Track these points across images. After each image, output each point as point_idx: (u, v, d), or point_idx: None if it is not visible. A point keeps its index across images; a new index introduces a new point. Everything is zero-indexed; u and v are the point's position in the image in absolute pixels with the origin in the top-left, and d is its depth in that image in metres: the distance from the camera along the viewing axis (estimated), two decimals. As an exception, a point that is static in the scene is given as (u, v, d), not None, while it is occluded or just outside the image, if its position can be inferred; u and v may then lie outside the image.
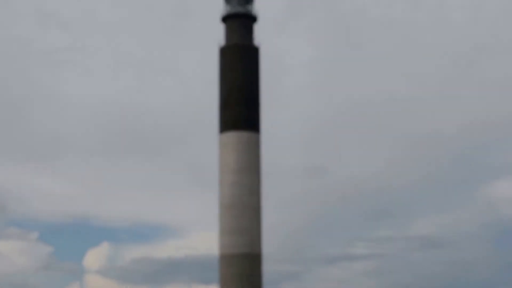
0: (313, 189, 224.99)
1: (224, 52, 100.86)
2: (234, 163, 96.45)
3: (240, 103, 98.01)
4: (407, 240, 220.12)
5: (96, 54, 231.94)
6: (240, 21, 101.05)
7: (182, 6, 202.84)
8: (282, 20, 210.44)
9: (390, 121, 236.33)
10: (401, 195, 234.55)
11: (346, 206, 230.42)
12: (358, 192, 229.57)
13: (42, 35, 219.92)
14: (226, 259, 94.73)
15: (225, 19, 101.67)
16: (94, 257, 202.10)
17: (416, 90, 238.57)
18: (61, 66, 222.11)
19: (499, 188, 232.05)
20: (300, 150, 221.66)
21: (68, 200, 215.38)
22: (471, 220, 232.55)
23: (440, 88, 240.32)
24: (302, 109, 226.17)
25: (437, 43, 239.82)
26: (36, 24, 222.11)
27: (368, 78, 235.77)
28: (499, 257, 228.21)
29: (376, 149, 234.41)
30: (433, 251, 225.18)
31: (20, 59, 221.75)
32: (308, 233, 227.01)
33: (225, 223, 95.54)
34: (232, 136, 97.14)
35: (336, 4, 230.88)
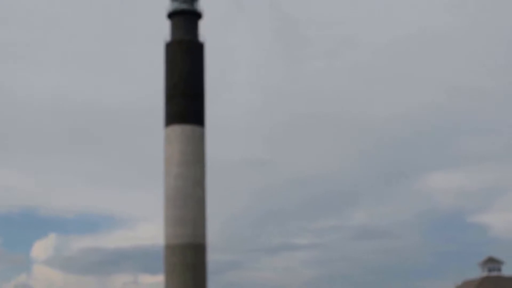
0: (256, 181, 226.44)
1: (170, 48, 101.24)
2: (178, 156, 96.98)
3: (184, 98, 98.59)
4: (347, 230, 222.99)
5: (44, 50, 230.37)
6: (185, 18, 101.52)
7: (129, 2, 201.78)
8: (227, 17, 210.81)
9: (332, 116, 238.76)
10: (341, 187, 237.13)
11: (288, 198, 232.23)
12: (300, 184, 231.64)
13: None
14: (170, 249, 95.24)
15: (171, 15, 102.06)
16: (42, 248, 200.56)
17: (357, 86, 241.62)
18: (10, 61, 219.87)
19: (433, 180, 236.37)
20: (244, 143, 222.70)
21: (15, 192, 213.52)
22: (407, 211, 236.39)
23: (378, 83, 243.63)
24: (245, 104, 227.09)
25: (376, 40, 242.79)
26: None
27: (311, 74, 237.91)
28: (433, 246, 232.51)
29: (318, 143, 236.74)
30: (371, 240, 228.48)
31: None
32: (251, 224, 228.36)
33: (170, 214, 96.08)
34: (177, 129, 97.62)
35: (280, 1, 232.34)
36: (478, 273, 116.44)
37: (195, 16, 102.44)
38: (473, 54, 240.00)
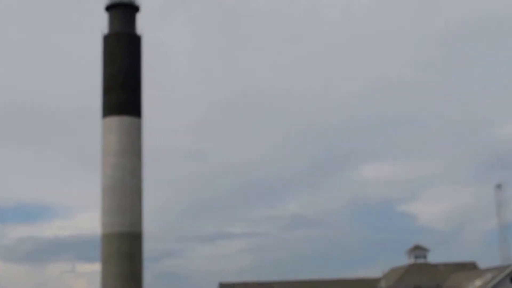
0: (192, 170, 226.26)
1: (107, 40, 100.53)
2: (116, 146, 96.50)
3: (122, 89, 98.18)
4: (280, 219, 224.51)
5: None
6: (123, 10, 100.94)
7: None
8: (165, 10, 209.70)
9: (270, 110, 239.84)
10: (274, 176, 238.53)
11: (223, 187, 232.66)
12: (235, 174, 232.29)
13: None
14: (108, 238, 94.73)
15: (109, 8, 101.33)
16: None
17: (294, 82, 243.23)
18: None
19: (363, 170, 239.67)
20: (180, 133, 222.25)
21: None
22: (337, 200, 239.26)
23: (317, 79, 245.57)
24: (183, 96, 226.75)
25: (315, 36, 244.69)
26: None
27: (250, 68, 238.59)
28: (362, 234, 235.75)
29: (252, 133, 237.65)
30: (304, 229, 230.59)
31: None
32: (188, 213, 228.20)
33: (107, 204, 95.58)
34: (114, 120, 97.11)
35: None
36: (405, 260, 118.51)
37: (133, 9, 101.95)
38: (402, 47, 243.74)
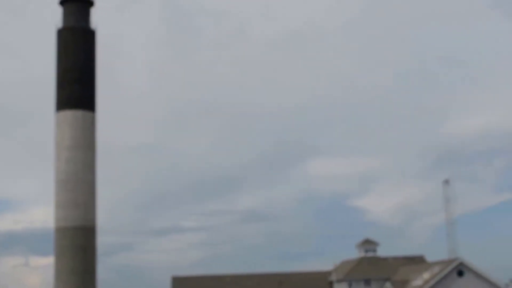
0: (146, 164, 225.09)
1: (61, 34, 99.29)
2: (69, 140, 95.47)
3: (76, 83, 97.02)
4: (233, 213, 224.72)
5: None
6: (77, 5, 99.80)
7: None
8: (120, 5, 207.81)
9: (220, 104, 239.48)
10: (227, 171, 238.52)
11: (176, 181, 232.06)
12: (188, 168, 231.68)
13: None
14: (61, 232, 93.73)
15: (63, 2, 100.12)
16: None
17: (243, 76, 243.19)
18: None
19: (315, 166, 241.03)
20: (134, 128, 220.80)
21: None
22: (290, 195, 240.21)
23: (264, 73, 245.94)
24: (138, 91, 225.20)
25: (263, 31, 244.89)
26: None
27: (203, 64, 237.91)
28: (314, 228, 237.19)
29: (205, 128, 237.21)
30: (256, 223, 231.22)
31: None
32: (141, 207, 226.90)
33: (61, 197, 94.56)
34: (68, 114, 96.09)
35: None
36: (355, 254, 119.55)
37: (87, 3, 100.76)
38: (355, 44, 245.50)
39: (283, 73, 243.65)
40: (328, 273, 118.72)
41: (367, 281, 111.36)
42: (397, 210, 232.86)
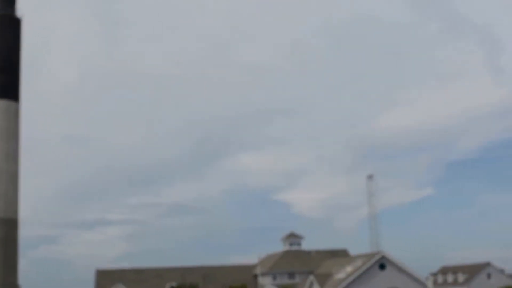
0: (72, 156, 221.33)
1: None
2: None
3: (0, 73, 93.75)
4: (160, 206, 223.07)
5: None
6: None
7: None
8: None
9: (151, 96, 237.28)
10: (156, 164, 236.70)
11: (103, 174, 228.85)
12: (115, 161, 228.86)
13: None
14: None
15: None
16: None
17: (176, 70, 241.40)
18: None
19: (242, 160, 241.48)
20: (60, 118, 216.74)
21: None
22: (217, 188, 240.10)
23: (195, 66, 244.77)
24: (63, 80, 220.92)
25: (197, 26, 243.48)
26: None
27: (131, 54, 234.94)
28: (240, 222, 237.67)
29: (136, 122, 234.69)
30: (184, 216, 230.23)
31: None
32: (66, 199, 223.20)
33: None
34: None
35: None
36: (280, 247, 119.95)
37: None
38: (279, 40, 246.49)
39: (212, 67, 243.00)
40: (253, 267, 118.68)
41: (291, 274, 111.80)
42: (321, 204, 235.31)
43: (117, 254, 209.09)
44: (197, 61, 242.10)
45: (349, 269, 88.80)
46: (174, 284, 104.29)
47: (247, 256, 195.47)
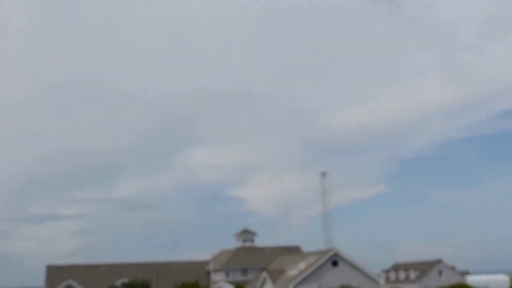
0: (23, 150, 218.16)
1: None
2: None
3: None
4: (112, 201, 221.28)
5: None
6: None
7: None
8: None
9: (101, 89, 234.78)
10: (106, 159, 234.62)
11: (54, 168, 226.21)
12: (66, 155, 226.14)
13: None
14: None
15: None
16: None
17: (127, 61, 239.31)
18: None
19: (195, 155, 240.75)
20: (13, 112, 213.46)
21: None
22: (169, 184, 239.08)
23: (147, 60, 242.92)
24: (17, 73, 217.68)
25: (150, 24, 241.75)
26: None
27: (84, 48, 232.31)
28: (194, 218, 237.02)
29: (85, 115, 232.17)
30: (136, 211, 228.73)
31: None
32: (16, 193, 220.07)
33: None
34: None
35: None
36: (234, 243, 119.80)
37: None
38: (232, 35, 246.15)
39: (167, 60, 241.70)
40: (206, 263, 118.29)
41: (244, 271, 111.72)
42: (275, 200, 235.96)
43: (69, 250, 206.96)
44: (147, 49, 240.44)
45: (302, 265, 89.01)
46: (126, 280, 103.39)
47: (200, 253, 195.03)
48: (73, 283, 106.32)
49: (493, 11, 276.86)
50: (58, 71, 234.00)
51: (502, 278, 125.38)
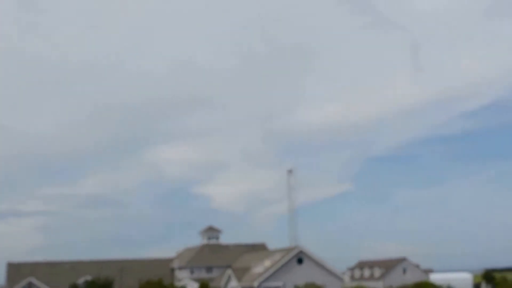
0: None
1: None
2: None
3: None
4: (76, 198, 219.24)
5: None
6: None
7: None
8: None
9: (67, 84, 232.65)
10: (70, 154, 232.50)
11: (16, 163, 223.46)
12: (28, 150, 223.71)
13: None
14: None
15: None
16: None
17: (92, 58, 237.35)
18: None
19: (160, 152, 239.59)
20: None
21: None
22: (135, 180, 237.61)
23: (110, 54, 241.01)
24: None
25: (119, 16, 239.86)
26: None
27: (46, 38, 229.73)
28: (158, 215, 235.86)
29: (52, 110, 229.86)
30: (101, 208, 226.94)
31: None
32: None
33: None
34: None
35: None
36: (199, 241, 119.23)
37: None
38: (206, 34, 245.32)
39: (134, 58, 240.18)
40: (170, 260, 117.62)
41: (209, 268, 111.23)
42: (241, 198, 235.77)
43: (30, 247, 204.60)
44: (115, 49, 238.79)
45: (267, 263, 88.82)
46: (89, 277, 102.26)
47: (165, 250, 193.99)
48: (34, 281, 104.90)
49: (458, 10, 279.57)
50: (19, 61, 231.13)
51: (465, 276, 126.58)
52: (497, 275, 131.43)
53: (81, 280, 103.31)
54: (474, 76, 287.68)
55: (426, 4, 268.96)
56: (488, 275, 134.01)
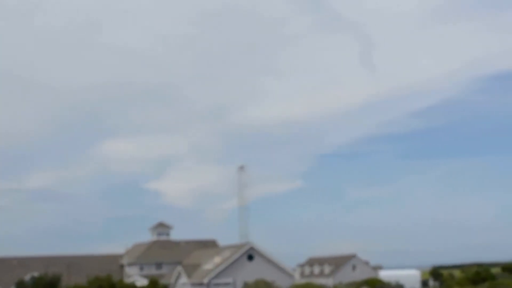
0: None
1: None
2: None
3: None
4: (24, 192, 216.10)
5: None
6: None
7: None
8: None
9: (15, 76, 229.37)
10: (19, 149, 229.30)
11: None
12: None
13: None
14: None
15: None
16: None
17: (40, 47, 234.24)
18: None
19: (110, 147, 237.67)
20: None
21: None
22: (83, 175, 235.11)
23: (62, 50, 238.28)
24: None
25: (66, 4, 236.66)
26: None
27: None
28: (107, 210, 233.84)
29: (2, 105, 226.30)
30: (49, 203, 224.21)
31: None
32: None
33: None
34: None
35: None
36: (149, 237, 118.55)
37: None
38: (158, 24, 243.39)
39: (81, 52, 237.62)
40: (120, 257, 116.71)
41: (159, 265, 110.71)
42: (192, 194, 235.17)
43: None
44: (62, 39, 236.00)
45: (217, 260, 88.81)
46: (35, 274, 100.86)
47: (114, 246, 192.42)
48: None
49: (412, 8, 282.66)
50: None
51: (414, 273, 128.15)
52: (444, 272, 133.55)
53: (27, 277, 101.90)
54: (424, 75, 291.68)
55: (378, 2, 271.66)
56: (436, 272, 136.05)
